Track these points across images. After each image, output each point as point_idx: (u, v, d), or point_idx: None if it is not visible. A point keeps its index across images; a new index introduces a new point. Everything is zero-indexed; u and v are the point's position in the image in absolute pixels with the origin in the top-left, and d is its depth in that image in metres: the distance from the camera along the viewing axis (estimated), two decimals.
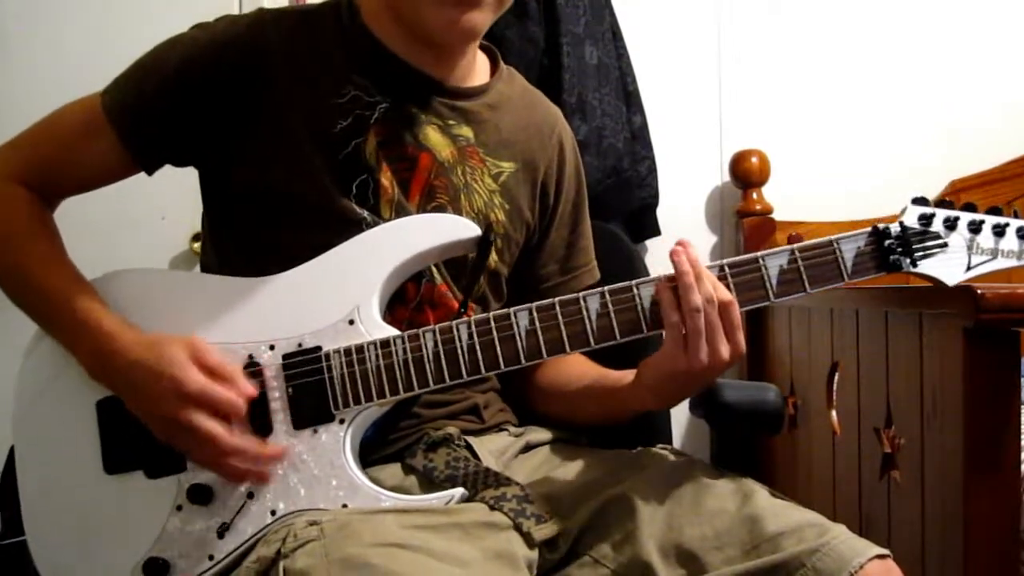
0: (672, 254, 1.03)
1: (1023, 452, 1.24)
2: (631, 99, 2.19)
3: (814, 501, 1.72)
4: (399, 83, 1.16)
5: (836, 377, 1.69)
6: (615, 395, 1.16)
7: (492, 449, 1.17)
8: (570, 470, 1.16)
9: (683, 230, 2.31)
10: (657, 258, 2.21)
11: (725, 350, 1.01)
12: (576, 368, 1.25)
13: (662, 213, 2.25)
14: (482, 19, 1.12)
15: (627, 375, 1.14)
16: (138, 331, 1.07)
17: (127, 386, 1.06)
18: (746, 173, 2.29)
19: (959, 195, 2.26)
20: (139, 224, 2.18)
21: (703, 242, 2.39)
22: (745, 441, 1.39)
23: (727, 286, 1.03)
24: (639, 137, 2.20)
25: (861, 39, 2.40)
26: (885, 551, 0.96)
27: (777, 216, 2.29)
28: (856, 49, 2.40)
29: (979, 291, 1.14)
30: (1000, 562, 1.21)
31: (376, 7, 1.17)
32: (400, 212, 1.14)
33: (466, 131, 1.20)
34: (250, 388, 1.04)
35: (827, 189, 2.36)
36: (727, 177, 2.36)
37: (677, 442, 2.00)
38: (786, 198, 2.31)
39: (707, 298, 1.00)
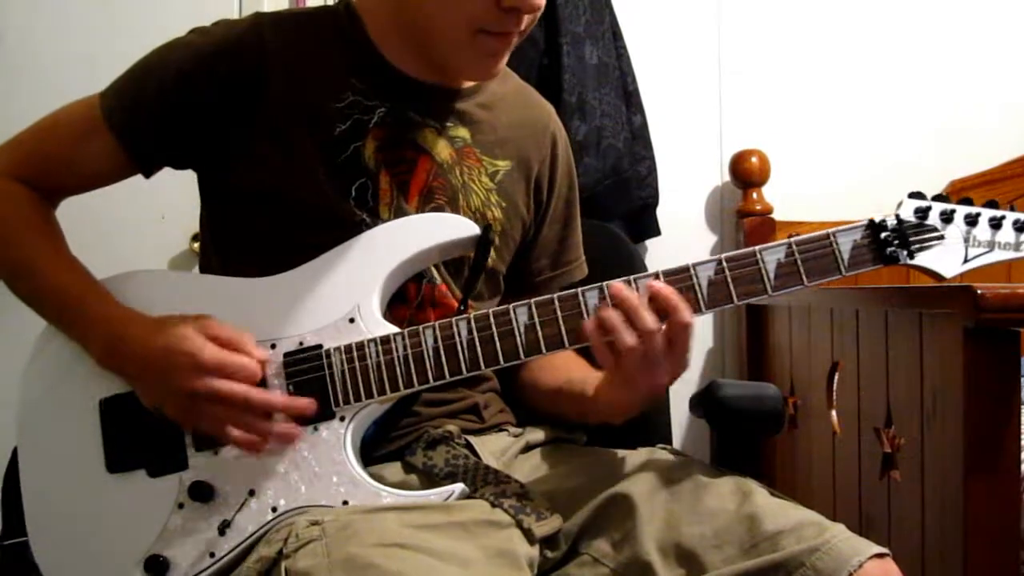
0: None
1: (1023, 452, 1.24)
2: (631, 99, 2.20)
3: (814, 501, 1.72)
4: (396, 88, 1.17)
5: (836, 377, 1.69)
6: (581, 402, 1.17)
7: (493, 450, 1.17)
8: (570, 469, 1.16)
9: (683, 230, 2.33)
10: (657, 258, 2.21)
11: (665, 375, 1.04)
12: (556, 365, 1.25)
13: (662, 213, 2.26)
14: (505, 61, 1.15)
15: (590, 385, 1.14)
16: (146, 317, 1.08)
17: (141, 371, 1.07)
18: (746, 173, 2.29)
19: (959, 195, 2.26)
20: (139, 224, 2.18)
21: (703, 242, 2.39)
22: (745, 441, 1.38)
23: (724, 281, 1.03)
24: (639, 137, 2.20)
25: (861, 39, 2.41)
26: (884, 550, 0.96)
27: (777, 216, 2.29)
28: (856, 49, 2.41)
29: (979, 291, 1.14)
30: (1000, 562, 1.21)
31: (385, 25, 1.17)
32: (399, 214, 1.15)
33: (463, 132, 1.21)
34: (262, 352, 1.06)
35: (827, 189, 2.36)
36: (727, 177, 2.36)
37: (677, 442, 2.00)
38: (786, 198, 2.32)
39: (645, 331, 1.00)
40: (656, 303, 1.01)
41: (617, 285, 1.02)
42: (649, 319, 1.00)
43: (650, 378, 1.03)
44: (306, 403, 1.05)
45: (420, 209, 1.16)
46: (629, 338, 1.00)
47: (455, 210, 1.17)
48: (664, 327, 1.01)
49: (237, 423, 1.04)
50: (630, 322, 1.00)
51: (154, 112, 1.14)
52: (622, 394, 1.06)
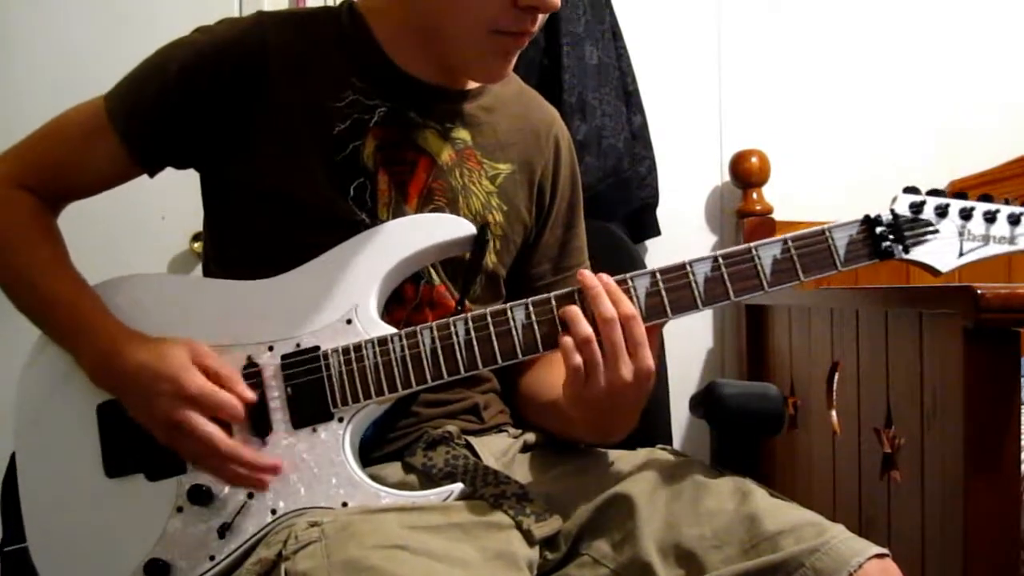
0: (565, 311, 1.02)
1: (1023, 452, 1.24)
2: (631, 99, 2.20)
3: (814, 501, 1.72)
4: (398, 87, 1.16)
5: (836, 377, 1.69)
6: (565, 423, 1.15)
7: (493, 450, 1.17)
8: (570, 470, 1.16)
9: (683, 230, 2.33)
10: (657, 258, 2.21)
11: (627, 371, 1.00)
12: (550, 379, 1.22)
13: (662, 213, 2.26)
14: (514, 62, 1.15)
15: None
16: (139, 335, 1.08)
17: (128, 389, 1.06)
18: (746, 173, 2.29)
19: None
20: (139, 224, 2.19)
21: (703, 242, 2.39)
22: (745, 441, 1.38)
23: (720, 278, 1.03)
24: (639, 137, 2.20)
25: (861, 39, 2.41)
26: (884, 550, 0.96)
27: (777, 216, 2.29)
28: (856, 49, 2.41)
29: (979, 291, 1.14)
30: (1000, 562, 1.21)
31: (393, 24, 1.16)
32: (397, 214, 1.14)
33: (463, 134, 1.21)
34: (249, 393, 1.05)
35: (827, 189, 2.37)
36: (727, 177, 2.36)
37: (677, 442, 2.01)
38: (786, 198, 2.32)
39: (604, 318, 0.99)
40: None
41: (583, 273, 1.02)
42: (605, 306, 1.00)
43: (611, 374, 0.99)
44: (276, 463, 1.04)
45: (419, 211, 1.16)
46: (584, 328, 0.99)
47: (454, 212, 1.17)
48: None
49: (209, 462, 1.04)
50: (591, 308, 1.00)
51: (158, 110, 1.14)
52: (585, 396, 1.02)
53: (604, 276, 1.03)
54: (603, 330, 1.00)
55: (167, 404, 1.02)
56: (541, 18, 1.09)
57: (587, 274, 1.03)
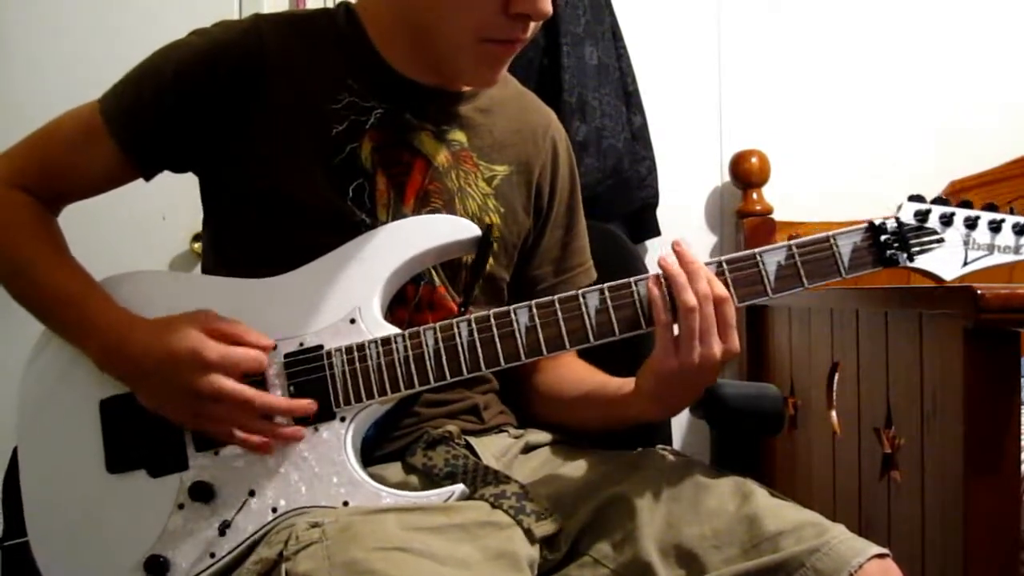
0: (660, 260, 1.03)
1: (1023, 452, 1.24)
2: (631, 99, 2.20)
3: (814, 501, 1.72)
4: (393, 90, 1.17)
5: (836, 377, 1.69)
6: (615, 404, 1.16)
7: (494, 451, 1.17)
8: (570, 470, 1.16)
9: (683, 230, 2.32)
10: (657, 259, 2.21)
11: (718, 348, 1.01)
12: (576, 374, 1.25)
13: (662, 213, 2.26)
14: (507, 67, 1.15)
15: (627, 383, 1.14)
16: (146, 321, 1.09)
17: (142, 374, 1.07)
18: (746, 173, 2.30)
19: (959, 195, 2.25)
20: (139, 224, 2.18)
21: (703, 242, 2.39)
22: (745, 441, 1.39)
23: (725, 283, 1.03)
24: (639, 137, 2.20)
25: (861, 39, 2.41)
26: (884, 551, 0.96)
27: (777, 216, 2.30)
28: (856, 49, 2.41)
29: (979, 291, 1.14)
30: (1000, 562, 1.21)
31: (387, 27, 1.17)
32: (396, 215, 1.15)
33: (459, 136, 1.21)
34: (265, 340, 1.06)
35: (827, 189, 2.37)
36: (727, 177, 2.37)
37: (677, 442, 2.00)
38: (786, 198, 2.32)
39: (703, 295, 1.01)
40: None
41: (666, 260, 1.03)
42: (703, 285, 1.01)
43: (706, 351, 1.01)
44: (307, 404, 1.05)
45: (416, 211, 1.16)
46: (691, 296, 1.00)
47: (451, 213, 1.17)
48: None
49: (240, 424, 1.04)
50: (689, 285, 1.01)
51: (153, 114, 1.14)
52: (671, 363, 1.02)
53: (686, 256, 1.03)
54: (699, 308, 1.00)
55: (189, 376, 1.03)
56: (533, 26, 1.09)
57: (669, 261, 1.03)
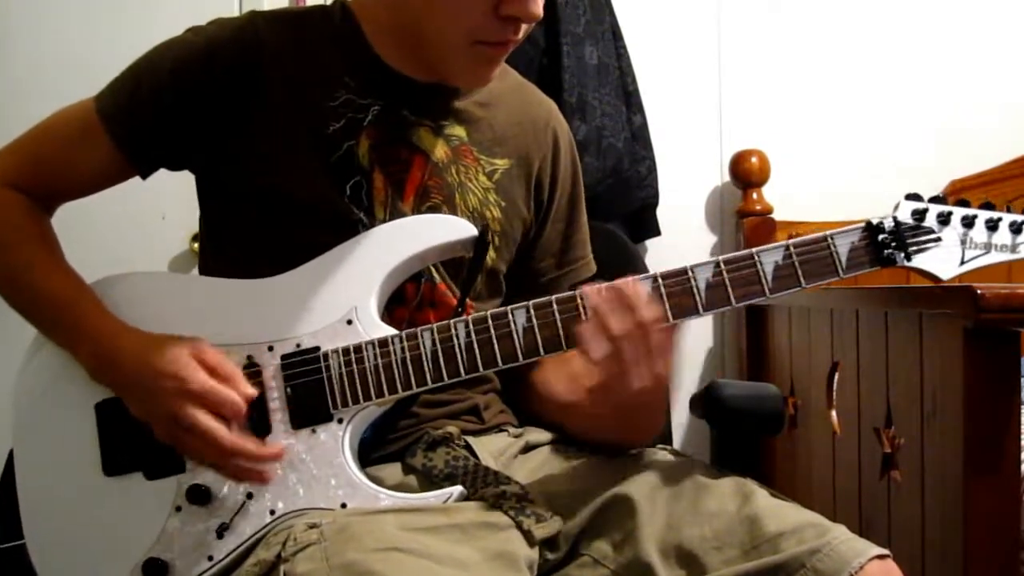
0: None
1: (1023, 452, 1.24)
2: (631, 99, 2.20)
3: (814, 501, 1.72)
4: (390, 86, 1.16)
5: (836, 377, 1.69)
6: (590, 420, 1.16)
7: (492, 450, 1.17)
8: (570, 470, 1.16)
9: (683, 230, 2.33)
10: (657, 258, 2.21)
11: (649, 375, 0.99)
12: (569, 378, 1.23)
13: (662, 213, 2.26)
14: (500, 66, 1.15)
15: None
16: (139, 332, 1.08)
17: (130, 386, 1.06)
18: (746, 173, 2.29)
19: (959, 195, 2.26)
20: (139, 224, 2.19)
21: (703, 242, 2.39)
22: (745, 441, 1.38)
23: (722, 283, 1.03)
24: (639, 137, 2.20)
25: (861, 39, 2.41)
26: (885, 551, 0.96)
27: (777, 216, 2.29)
28: (856, 49, 2.41)
29: (979, 291, 1.14)
30: (1000, 562, 1.21)
31: (382, 25, 1.17)
32: (394, 213, 1.14)
33: (459, 131, 1.20)
34: (250, 389, 1.05)
35: (827, 189, 2.36)
36: (727, 177, 2.36)
37: (677, 442, 2.00)
38: (786, 198, 2.32)
39: (621, 333, 0.98)
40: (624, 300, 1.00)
41: (585, 291, 1.02)
42: (619, 321, 0.98)
43: (631, 381, 0.99)
44: (278, 451, 1.04)
45: (416, 208, 1.16)
46: (618, 324, 0.98)
47: (452, 209, 1.17)
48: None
49: (211, 458, 1.04)
50: (605, 325, 0.99)
51: (150, 112, 1.14)
52: (607, 400, 1.03)
53: (618, 284, 1.00)
54: (626, 340, 0.98)
55: (170, 401, 1.02)
56: (524, 27, 1.09)
57: (588, 292, 1.01)
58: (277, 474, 1.05)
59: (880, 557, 0.95)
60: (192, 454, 1.06)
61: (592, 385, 1.03)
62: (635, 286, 1.00)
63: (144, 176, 1.20)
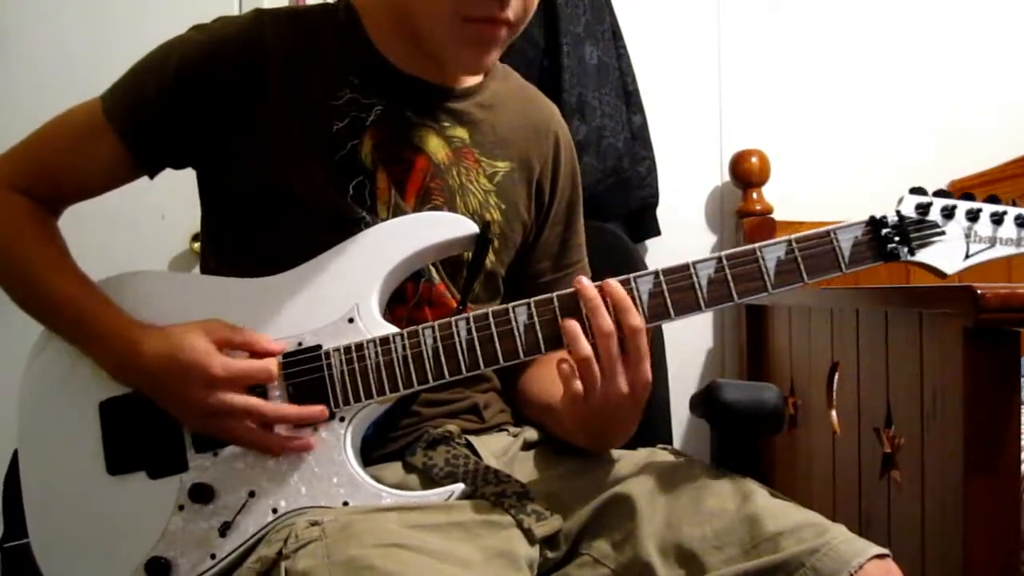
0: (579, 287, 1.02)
1: (1023, 452, 1.24)
2: (631, 99, 2.20)
3: (814, 501, 1.72)
4: (393, 86, 1.17)
5: (836, 377, 1.69)
6: (563, 426, 1.16)
7: (493, 449, 1.17)
8: (570, 469, 1.16)
9: (683, 230, 2.33)
10: (657, 258, 2.21)
11: (624, 384, 1.00)
12: (549, 380, 1.22)
13: (662, 213, 2.26)
14: (498, 55, 1.15)
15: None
16: (154, 329, 1.08)
17: (154, 385, 1.07)
18: (746, 173, 2.29)
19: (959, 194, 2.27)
20: (139, 224, 2.18)
21: (703, 242, 2.39)
22: (745, 441, 1.38)
23: (723, 279, 1.03)
24: (639, 137, 2.20)
25: (861, 39, 2.41)
26: (885, 551, 0.96)
27: (777, 216, 2.29)
28: (856, 49, 2.41)
29: (979, 291, 1.14)
30: (1000, 562, 1.21)
31: (382, 22, 1.17)
32: (396, 213, 1.14)
33: (461, 132, 1.21)
34: (274, 345, 1.06)
35: (827, 189, 2.36)
36: (727, 177, 2.36)
37: (677, 442, 2.01)
38: (786, 198, 2.32)
39: (603, 332, 0.99)
40: (608, 304, 1.00)
41: (582, 282, 1.02)
42: (604, 320, 0.99)
43: (607, 387, 1.00)
44: (319, 411, 1.05)
45: (417, 209, 1.16)
46: (583, 348, 0.99)
47: (452, 211, 1.17)
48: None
49: (252, 436, 1.05)
50: (589, 322, 1.00)
51: (156, 108, 1.14)
52: (581, 410, 1.03)
53: (610, 282, 1.02)
54: (600, 344, 0.99)
55: (200, 394, 1.03)
56: (514, 4, 1.08)
57: (586, 284, 1.02)
58: (279, 472, 1.05)
59: (880, 556, 0.95)
60: (235, 437, 1.06)
61: (562, 395, 1.04)
62: (611, 289, 1.01)
63: (151, 175, 1.20)
